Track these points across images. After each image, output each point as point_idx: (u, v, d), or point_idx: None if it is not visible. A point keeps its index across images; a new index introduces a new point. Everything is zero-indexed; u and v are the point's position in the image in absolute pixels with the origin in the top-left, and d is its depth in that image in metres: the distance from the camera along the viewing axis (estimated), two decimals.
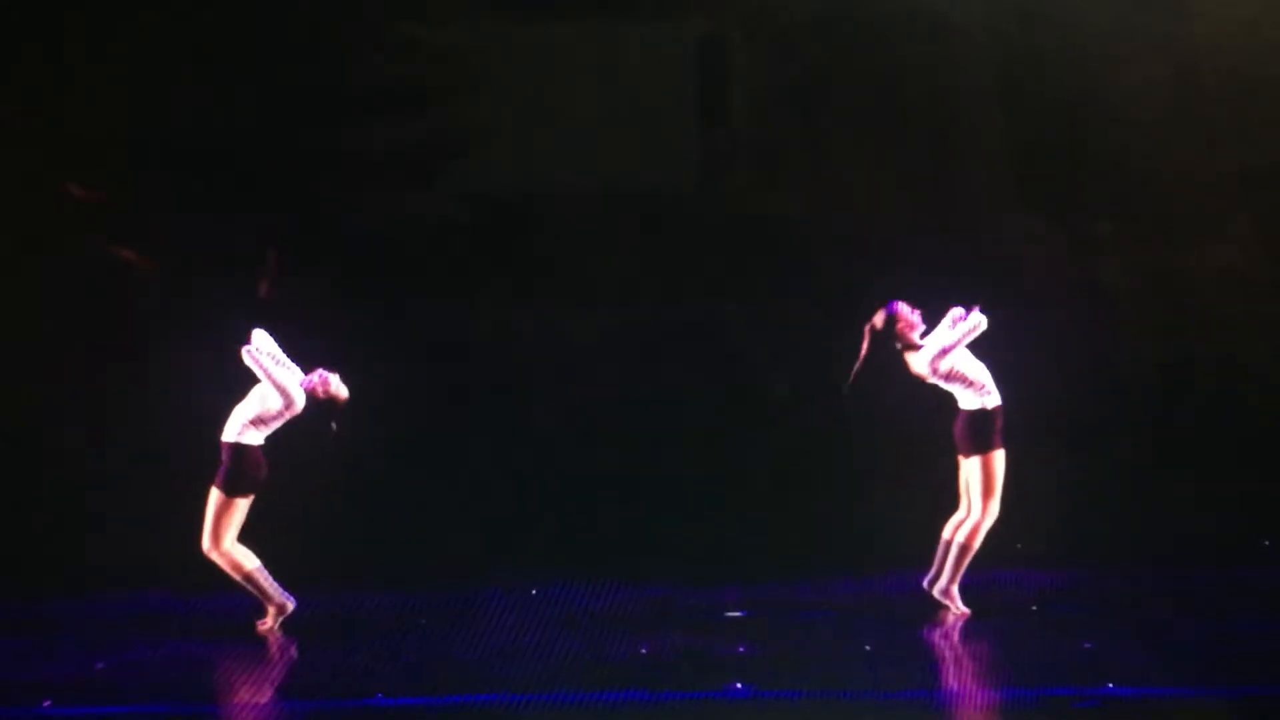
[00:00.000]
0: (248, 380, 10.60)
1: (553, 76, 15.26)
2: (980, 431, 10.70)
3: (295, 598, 10.59)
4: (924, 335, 10.85)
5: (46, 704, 8.91)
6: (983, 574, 10.92)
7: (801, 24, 14.96)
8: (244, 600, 10.55)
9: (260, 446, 10.55)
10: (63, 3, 14.33)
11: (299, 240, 14.09)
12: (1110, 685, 8.97)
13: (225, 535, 10.50)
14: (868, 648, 9.94)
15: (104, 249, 14.08)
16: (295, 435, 10.70)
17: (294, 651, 10.24)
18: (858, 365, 10.78)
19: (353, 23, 14.79)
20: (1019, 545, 10.92)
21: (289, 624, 10.55)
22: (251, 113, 14.40)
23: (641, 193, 15.30)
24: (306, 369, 10.73)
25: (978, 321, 10.71)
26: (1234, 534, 12.89)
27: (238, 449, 10.48)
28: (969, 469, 10.73)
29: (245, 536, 10.57)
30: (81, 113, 14.21)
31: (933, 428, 11.86)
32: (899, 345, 10.82)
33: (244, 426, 10.52)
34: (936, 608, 10.84)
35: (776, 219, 14.97)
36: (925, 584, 10.79)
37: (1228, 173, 14.65)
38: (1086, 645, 10.01)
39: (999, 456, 10.69)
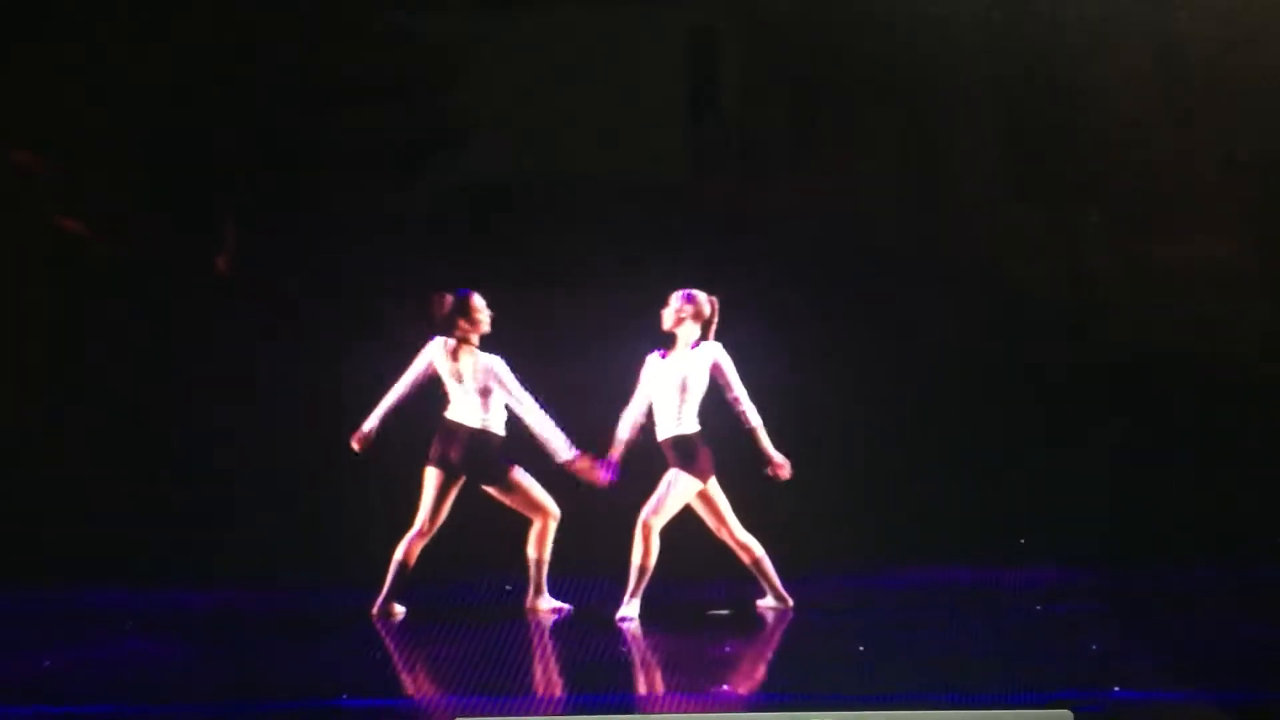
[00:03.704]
0: (239, 371, 10.33)
1: (539, 69, 15.33)
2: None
3: (264, 594, 10.45)
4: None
5: None
6: (985, 571, 10.73)
7: (794, 15, 15.00)
8: (202, 597, 10.35)
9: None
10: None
11: (288, 236, 14.28)
12: (1117, 689, 8.82)
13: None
14: (861, 648, 9.82)
15: (90, 242, 14.19)
16: (285, 432, 10.43)
17: (255, 649, 10.09)
18: None
19: (337, 13, 14.91)
20: (1022, 540, 10.89)
21: (252, 621, 10.31)
22: (247, 109, 14.50)
23: (631, 187, 15.37)
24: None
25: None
26: (1247, 531, 12.78)
27: None
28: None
29: (232, 539, 10.40)
30: (76, 114, 14.30)
31: (928, 425, 11.78)
32: None
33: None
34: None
35: (770, 215, 15.00)
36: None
37: (1216, 163, 14.69)
38: (1094, 647, 9.89)
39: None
